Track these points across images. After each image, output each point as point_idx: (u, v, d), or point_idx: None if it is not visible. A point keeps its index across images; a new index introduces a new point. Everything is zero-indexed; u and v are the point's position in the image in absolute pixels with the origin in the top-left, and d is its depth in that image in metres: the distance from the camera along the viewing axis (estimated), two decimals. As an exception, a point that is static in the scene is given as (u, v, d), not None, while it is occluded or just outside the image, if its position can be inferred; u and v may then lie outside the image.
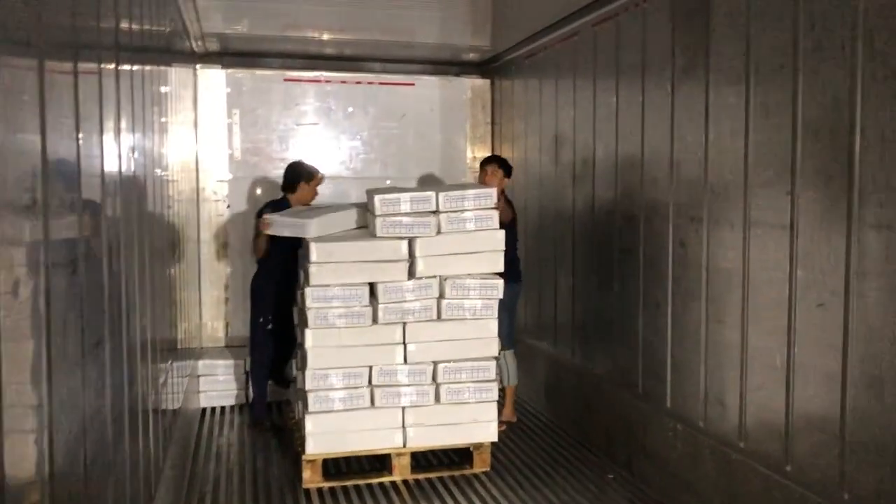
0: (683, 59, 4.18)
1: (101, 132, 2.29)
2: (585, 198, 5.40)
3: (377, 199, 4.58)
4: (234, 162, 6.97)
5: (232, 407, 6.35)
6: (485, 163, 5.71)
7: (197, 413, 6.08)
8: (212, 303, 6.90)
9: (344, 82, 7.14)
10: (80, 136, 1.98)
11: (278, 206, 5.55)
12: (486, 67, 7.46)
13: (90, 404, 2.05)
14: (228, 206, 6.91)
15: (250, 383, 6.05)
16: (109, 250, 2.33)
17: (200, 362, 6.32)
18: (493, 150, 7.40)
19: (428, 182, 7.20)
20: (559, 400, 5.89)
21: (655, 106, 4.46)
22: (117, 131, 2.55)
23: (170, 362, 4.22)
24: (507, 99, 7.07)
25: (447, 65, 7.52)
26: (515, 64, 6.77)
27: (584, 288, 5.49)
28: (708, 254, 4.00)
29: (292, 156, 6.98)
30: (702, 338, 4.04)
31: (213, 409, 6.32)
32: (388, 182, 7.18)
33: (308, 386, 4.61)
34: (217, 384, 6.37)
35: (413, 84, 7.27)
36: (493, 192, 4.76)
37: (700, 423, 4.06)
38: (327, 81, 7.12)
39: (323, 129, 7.14)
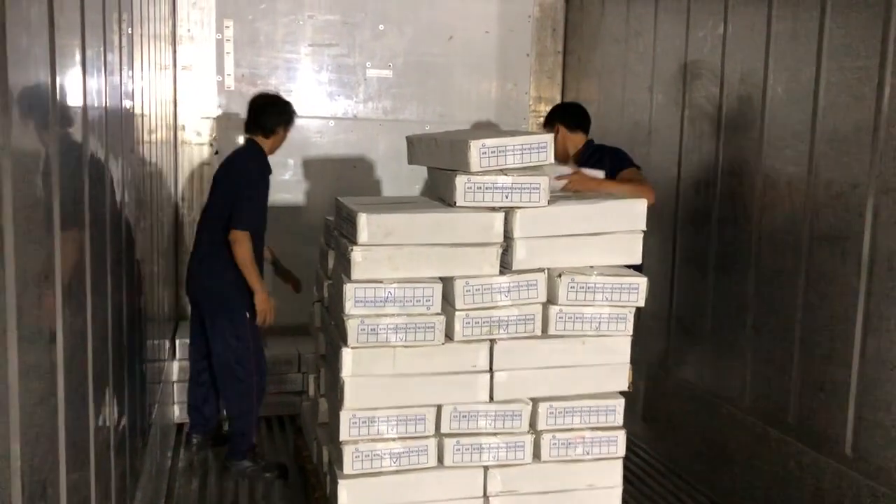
0: None
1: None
2: (742, 154, 3.72)
3: (474, 144, 2.85)
4: (225, 93, 5.23)
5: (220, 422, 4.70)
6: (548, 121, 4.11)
7: (170, 431, 4.43)
8: (192, 280, 5.18)
9: (373, -11, 5.36)
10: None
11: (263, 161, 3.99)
12: (558, -23, 5.70)
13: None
14: (217, 153, 5.17)
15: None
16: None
17: (176, 363, 4.65)
18: (563, 88, 5.68)
19: (483, 130, 5.49)
20: (677, 437, 4.29)
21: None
22: (63, 46, 1.55)
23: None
24: (590, 18, 5.31)
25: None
26: (608, -31, 5.03)
27: (726, 287, 3.85)
28: None
29: (301, 87, 5.26)
30: None
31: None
32: (426, 128, 5.46)
33: (343, 434, 2.96)
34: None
35: (463, -5, 5.51)
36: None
37: None
38: (351, -13, 5.34)
39: (343, 52, 5.37)
